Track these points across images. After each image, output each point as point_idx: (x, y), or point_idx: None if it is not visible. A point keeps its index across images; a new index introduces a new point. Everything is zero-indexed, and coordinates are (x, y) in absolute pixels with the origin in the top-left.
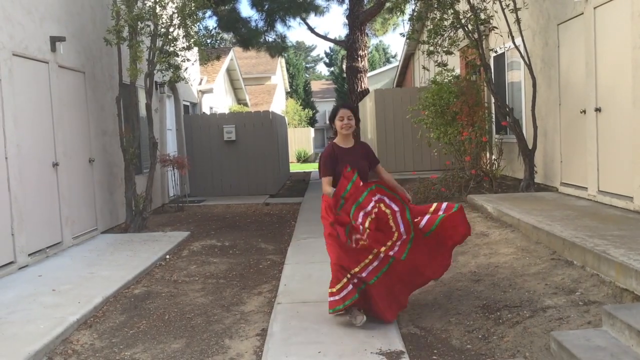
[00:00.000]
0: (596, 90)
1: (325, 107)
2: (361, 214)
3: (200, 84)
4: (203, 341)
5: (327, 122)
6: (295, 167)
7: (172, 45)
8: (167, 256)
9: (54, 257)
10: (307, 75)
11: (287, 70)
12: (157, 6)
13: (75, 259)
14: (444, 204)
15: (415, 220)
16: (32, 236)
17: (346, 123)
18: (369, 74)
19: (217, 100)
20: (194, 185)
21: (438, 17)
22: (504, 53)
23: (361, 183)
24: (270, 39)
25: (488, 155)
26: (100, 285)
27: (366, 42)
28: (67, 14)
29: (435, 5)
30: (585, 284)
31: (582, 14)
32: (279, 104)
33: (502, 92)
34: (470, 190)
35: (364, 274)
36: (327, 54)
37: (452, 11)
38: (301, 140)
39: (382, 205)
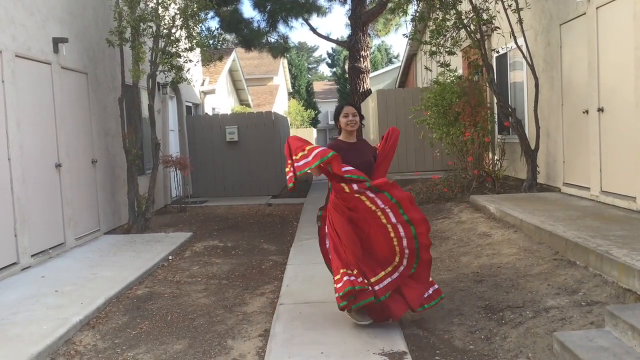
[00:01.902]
0: (599, 90)
1: (327, 107)
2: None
3: (202, 84)
4: (205, 342)
5: (332, 120)
6: None
7: (175, 46)
8: (170, 257)
9: (56, 258)
10: (310, 76)
11: (290, 70)
12: (160, 7)
13: (78, 260)
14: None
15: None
16: (35, 237)
17: (351, 120)
18: (371, 75)
19: (220, 101)
20: (197, 186)
21: (440, 18)
22: (506, 53)
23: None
24: (273, 40)
25: (490, 155)
26: (103, 286)
27: (368, 43)
28: (69, 15)
29: (438, 6)
30: (588, 285)
31: (585, 14)
32: (281, 104)
33: (504, 93)
34: (472, 190)
35: (377, 287)
36: (329, 55)
37: (454, 11)
38: None
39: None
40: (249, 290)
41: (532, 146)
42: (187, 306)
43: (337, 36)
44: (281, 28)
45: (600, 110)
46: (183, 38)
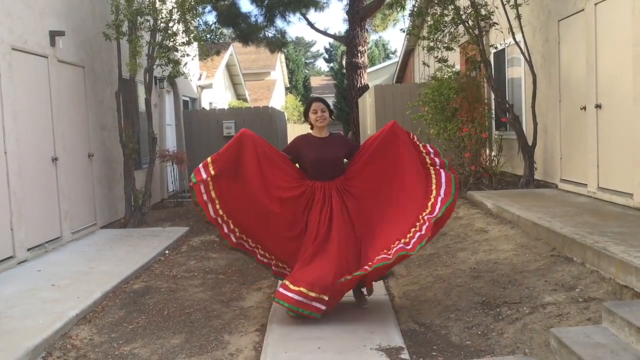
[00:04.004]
0: (597, 86)
1: None
2: None
3: (199, 79)
4: (202, 336)
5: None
6: None
7: (172, 40)
8: (167, 251)
9: (53, 252)
10: (307, 71)
11: (287, 65)
12: (157, 1)
13: (74, 254)
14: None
15: None
16: (31, 231)
17: (320, 115)
18: (368, 70)
19: (217, 95)
20: None
21: (438, 13)
22: (504, 49)
23: None
24: (270, 35)
25: (488, 151)
26: (100, 280)
27: (366, 38)
28: (66, 9)
29: (436, 1)
30: (585, 281)
31: (583, 10)
32: (279, 99)
33: (502, 89)
34: (469, 186)
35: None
36: (326, 50)
37: (452, 7)
38: None
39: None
40: (246, 285)
41: (530, 142)
42: (183, 301)
43: (334, 31)
44: (279, 23)
45: (598, 106)
46: (180, 32)
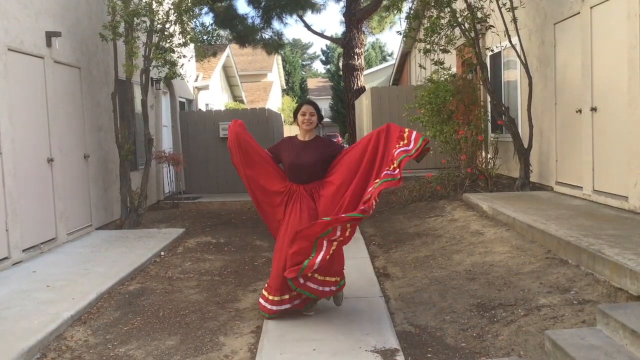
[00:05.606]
0: (592, 89)
1: (321, 104)
2: None
3: (196, 80)
4: (197, 338)
5: (327, 118)
6: None
7: (168, 41)
8: (162, 253)
9: (48, 253)
10: (304, 73)
11: (284, 67)
12: (154, 2)
13: (69, 255)
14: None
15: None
16: (27, 232)
17: (307, 119)
18: (365, 72)
19: (213, 97)
20: (190, 182)
21: (435, 16)
22: (500, 52)
23: None
24: (267, 36)
25: (484, 154)
26: (95, 281)
27: (363, 40)
28: (62, 9)
29: (432, 4)
30: (580, 283)
31: (579, 13)
32: (275, 101)
33: (498, 91)
34: (465, 188)
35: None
36: (323, 52)
37: (449, 9)
38: None
39: None
40: (242, 287)
41: (525, 145)
42: (179, 302)
43: (331, 33)
44: (275, 24)
45: (594, 109)
46: (177, 33)
